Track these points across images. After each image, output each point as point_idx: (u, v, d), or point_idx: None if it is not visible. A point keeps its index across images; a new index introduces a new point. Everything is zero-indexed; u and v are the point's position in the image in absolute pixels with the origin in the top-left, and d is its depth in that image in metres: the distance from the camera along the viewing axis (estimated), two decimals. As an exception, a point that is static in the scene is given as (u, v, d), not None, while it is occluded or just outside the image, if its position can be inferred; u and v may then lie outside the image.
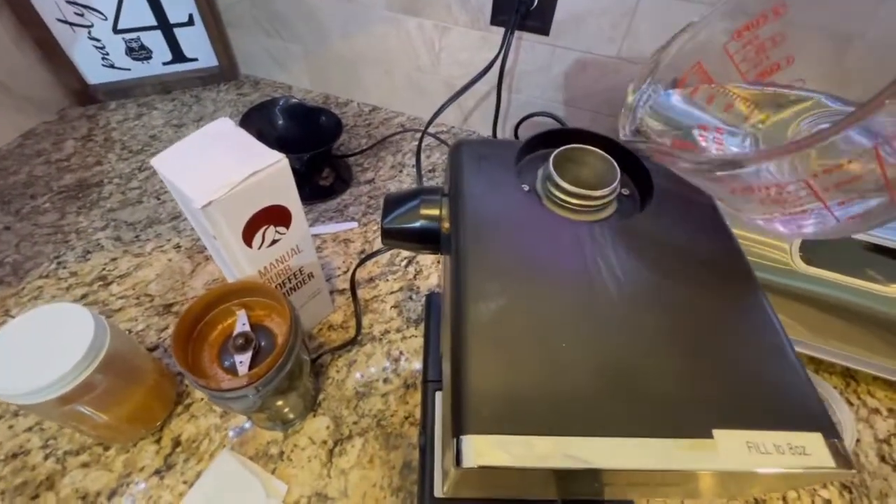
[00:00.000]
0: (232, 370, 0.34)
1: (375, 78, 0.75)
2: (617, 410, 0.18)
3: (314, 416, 0.44)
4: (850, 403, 0.47)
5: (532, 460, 0.17)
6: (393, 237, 0.29)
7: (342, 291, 0.53)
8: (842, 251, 0.45)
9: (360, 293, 0.53)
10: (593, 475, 0.19)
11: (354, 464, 0.41)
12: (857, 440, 0.44)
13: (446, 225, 0.27)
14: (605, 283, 0.22)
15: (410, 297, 0.53)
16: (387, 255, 0.57)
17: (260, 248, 0.36)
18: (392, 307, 0.52)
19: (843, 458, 0.17)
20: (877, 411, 0.46)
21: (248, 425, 0.42)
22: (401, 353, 0.49)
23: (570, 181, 0.26)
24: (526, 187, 0.28)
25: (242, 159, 0.32)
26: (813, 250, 0.44)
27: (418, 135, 0.73)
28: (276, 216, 0.35)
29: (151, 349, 0.47)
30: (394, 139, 0.73)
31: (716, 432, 0.17)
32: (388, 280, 0.55)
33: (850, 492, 0.42)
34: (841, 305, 0.45)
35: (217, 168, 0.31)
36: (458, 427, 0.18)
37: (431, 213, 0.28)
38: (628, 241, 0.24)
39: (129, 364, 0.37)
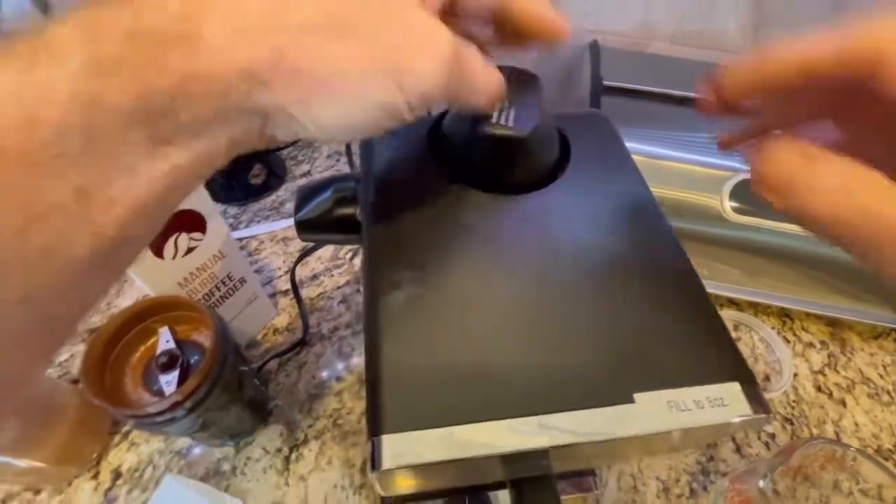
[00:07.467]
0: (161, 393, 0.32)
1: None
2: (538, 388, 0.17)
3: (266, 425, 0.42)
4: (787, 341, 0.49)
5: (450, 452, 0.16)
6: (308, 230, 0.27)
7: (285, 292, 0.51)
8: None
9: (305, 292, 0.51)
10: (524, 456, 0.18)
11: (313, 468, 0.39)
12: (795, 374, 0.46)
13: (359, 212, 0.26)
14: (521, 257, 0.21)
15: (358, 290, 0.51)
16: (329, 249, 0.54)
17: (174, 258, 0.33)
18: (339, 303, 0.50)
19: (759, 404, 0.17)
20: (811, 345, 0.49)
21: (195, 444, 0.40)
22: (352, 348, 0.47)
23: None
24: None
25: (135, 163, 0.29)
26: (743, 198, 0.45)
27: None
28: (187, 222, 0.32)
29: (77, 381, 0.43)
30: (327, 127, 0.70)
31: (637, 396, 0.17)
32: (332, 275, 0.53)
33: (791, 423, 0.44)
34: (772, 249, 0.47)
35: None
36: (373, 427, 0.16)
37: (346, 200, 0.26)
38: (544, 212, 0.23)
39: (45, 403, 0.34)
